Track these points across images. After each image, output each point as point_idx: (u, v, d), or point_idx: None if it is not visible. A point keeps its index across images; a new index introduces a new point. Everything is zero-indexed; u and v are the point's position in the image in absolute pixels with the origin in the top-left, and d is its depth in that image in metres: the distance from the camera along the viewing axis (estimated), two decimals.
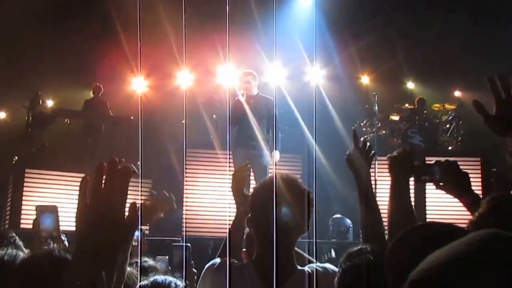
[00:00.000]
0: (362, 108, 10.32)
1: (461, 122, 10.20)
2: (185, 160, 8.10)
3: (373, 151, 2.34)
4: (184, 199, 7.84)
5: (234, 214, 2.68)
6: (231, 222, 2.63)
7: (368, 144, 2.36)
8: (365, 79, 11.48)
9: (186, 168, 8.09)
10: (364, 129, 10.06)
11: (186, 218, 7.74)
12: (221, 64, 9.40)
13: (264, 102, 7.07)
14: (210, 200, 8.06)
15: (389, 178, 2.17)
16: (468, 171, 2.20)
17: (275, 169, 6.72)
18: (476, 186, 7.95)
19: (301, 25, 9.83)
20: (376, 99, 8.98)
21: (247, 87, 6.99)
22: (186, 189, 7.94)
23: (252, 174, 6.52)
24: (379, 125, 9.79)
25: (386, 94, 10.52)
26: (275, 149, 6.97)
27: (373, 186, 2.27)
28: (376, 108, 9.00)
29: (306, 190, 2.15)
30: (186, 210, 7.81)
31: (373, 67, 11.28)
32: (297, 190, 2.14)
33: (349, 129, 9.27)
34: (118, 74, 9.67)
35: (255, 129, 6.92)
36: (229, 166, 7.46)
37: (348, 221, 7.50)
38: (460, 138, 10.11)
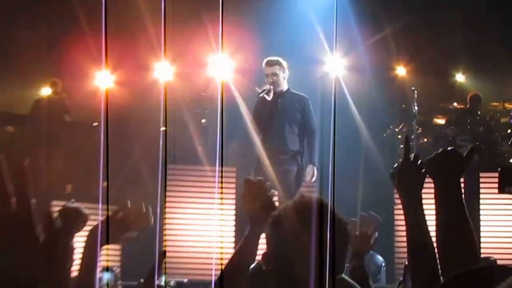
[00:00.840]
0: (397, 109, 10.58)
1: None
2: (165, 181, 7.92)
3: (424, 169, 2.38)
4: (165, 232, 7.80)
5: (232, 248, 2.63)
6: (225, 262, 2.65)
7: (420, 159, 2.42)
8: (400, 71, 11.60)
9: (166, 191, 8.05)
10: (399, 136, 10.32)
11: (167, 256, 7.73)
12: (213, 52, 9.66)
13: (297, 101, 7.26)
14: (198, 233, 8.45)
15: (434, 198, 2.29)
16: None
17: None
18: None
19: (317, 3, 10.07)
20: (415, 96, 9.30)
21: (274, 81, 7.15)
22: (167, 218, 8.23)
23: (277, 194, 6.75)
24: (419, 130, 10.08)
25: (429, 90, 10.76)
26: (311, 162, 7.18)
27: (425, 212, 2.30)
28: (416, 108, 9.30)
29: (345, 222, 2.23)
30: (168, 245, 8.13)
31: (411, 55, 11.45)
32: (333, 220, 2.19)
33: (379, 136, 10.02)
34: (80, 68, 10.02)
35: (286, 138, 7.16)
36: (221, 188, 7.80)
37: (380, 258, 7.65)
38: None
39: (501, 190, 2.28)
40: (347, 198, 8.06)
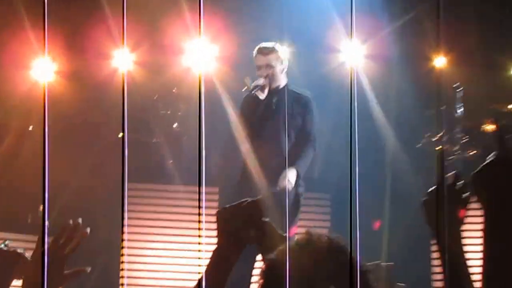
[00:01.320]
0: (435, 111, 10.16)
1: None
2: (123, 205, 8.02)
3: (467, 193, 2.45)
4: (124, 269, 7.69)
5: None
6: None
7: (462, 182, 2.47)
8: (439, 62, 11.08)
9: (123, 219, 8.11)
10: (438, 148, 9.91)
11: None
12: (188, 37, 9.53)
13: (297, 101, 7.33)
14: (168, 274, 8.60)
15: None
16: None
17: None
18: None
19: None
20: (459, 95, 9.36)
21: (268, 75, 7.20)
22: (126, 255, 7.77)
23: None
24: (465, 139, 9.93)
25: (477, 87, 10.44)
26: (293, 165, 7.25)
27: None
28: (460, 110, 9.30)
29: (365, 270, 2.32)
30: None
31: (454, 42, 10.79)
32: (349, 268, 2.23)
33: (410, 147, 9.80)
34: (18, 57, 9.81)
35: (282, 149, 7.17)
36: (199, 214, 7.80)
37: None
38: None
39: None
40: (367, 235, 8.00)
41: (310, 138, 7.40)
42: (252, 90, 7.26)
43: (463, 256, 2.40)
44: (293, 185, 7.19)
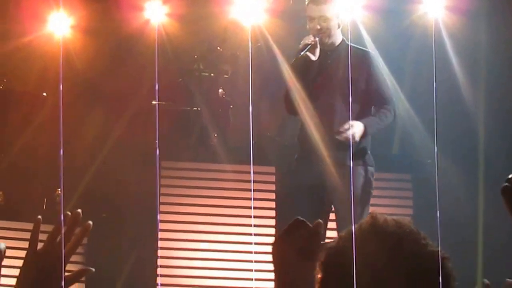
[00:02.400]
0: None
1: None
2: (159, 183, 8.03)
3: None
4: (159, 254, 8.08)
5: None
6: None
7: None
8: None
9: (160, 201, 8.13)
10: None
11: None
12: None
13: (359, 60, 6.75)
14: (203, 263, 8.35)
15: None
16: None
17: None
18: None
19: None
20: None
21: (322, 29, 6.68)
22: (161, 245, 8.13)
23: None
24: None
25: None
26: (365, 122, 6.74)
27: None
28: None
29: (444, 257, 2.13)
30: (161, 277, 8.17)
31: None
32: (422, 256, 2.12)
33: (507, 122, 9.21)
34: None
35: (341, 119, 6.65)
36: (253, 200, 8.01)
37: None
38: None
39: None
40: (454, 223, 7.79)
41: (385, 100, 6.82)
42: (303, 51, 6.69)
43: None
44: (357, 141, 6.60)
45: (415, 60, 9.01)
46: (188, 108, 9.42)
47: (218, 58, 9.52)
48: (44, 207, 8.53)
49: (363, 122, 6.63)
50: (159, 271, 8.21)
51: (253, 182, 7.96)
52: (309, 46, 6.64)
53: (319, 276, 2.30)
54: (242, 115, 9.23)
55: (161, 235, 8.18)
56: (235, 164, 8.42)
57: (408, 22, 9.09)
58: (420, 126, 8.77)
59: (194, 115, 9.39)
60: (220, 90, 9.46)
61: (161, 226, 8.25)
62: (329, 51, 6.73)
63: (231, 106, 9.47)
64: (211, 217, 8.33)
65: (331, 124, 6.64)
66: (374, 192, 7.25)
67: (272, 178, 8.43)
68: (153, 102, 8.74)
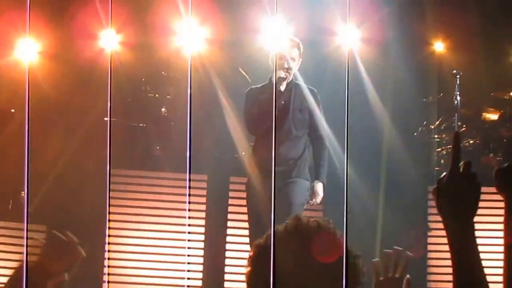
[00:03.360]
0: (433, 99, 10.52)
1: None
2: (109, 191, 8.39)
3: (478, 182, 2.39)
4: (106, 256, 8.55)
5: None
6: None
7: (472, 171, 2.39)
8: (438, 47, 11.32)
9: (109, 205, 8.51)
10: (435, 136, 10.28)
11: None
12: (178, 17, 9.64)
13: (305, 96, 7.51)
14: (154, 257, 8.76)
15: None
16: None
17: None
18: None
19: None
20: (458, 82, 9.36)
21: (289, 68, 7.39)
22: (109, 241, 8.59)
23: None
24: (463, 128, 10.01)
25: (477, 74, 10.56)
26: (318, 179, 7.51)
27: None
28: (458, 98, 9.33)
29: (355, 255, 2.34)
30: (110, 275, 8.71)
31: (454, 26, 11.06)
32: (339, 253, 2.28)
33: (408, 135, 9.88)
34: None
35: (290, 146, 7.42)
36: (189, 203, 8.64)
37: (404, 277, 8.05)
38: None
39: None
40: (362, 223, 8.60)
41: (321, 136, 7.54)
42: (280, 83, 7.39)
43: (475, 247, 2.30)
44: (321, 197, 7.49)
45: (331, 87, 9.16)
46: (135, 124, 9.81)
47: (162, 81, 10.01)
48: (10, 207, 8.74)
49: (321, 181, 7.39)
50: (107, 263, 8.61)
51: (189, 188, 8.52)
52: (282, 79, 7.31)
53: (249, 268, 2.49)
54: (181, 130, 9.55)
55: (110, 232, 8.51)
56: (174, 172, 8.91)
57: (325, 52, 9.73)
58: (334, 141, 8.94)
59: (140, 130, 9.79)
60: (163, 109, 9.95)
61: (111, 224, 8.61)
62: (289, 88, 7.40)
63: (172, 123, 9.87)
64: (153, 217, 8.76)
65: (282, 143, 7.30)
66: None
67: (204, 185, 8.92)
68: (105, 119, 9.02)
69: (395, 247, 3.04)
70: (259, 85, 7.59)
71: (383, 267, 2.90)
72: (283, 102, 7.35)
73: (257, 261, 2.39)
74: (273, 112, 7.08)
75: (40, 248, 2.61)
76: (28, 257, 2.49)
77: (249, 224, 7.42)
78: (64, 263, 2.59)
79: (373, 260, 2.99)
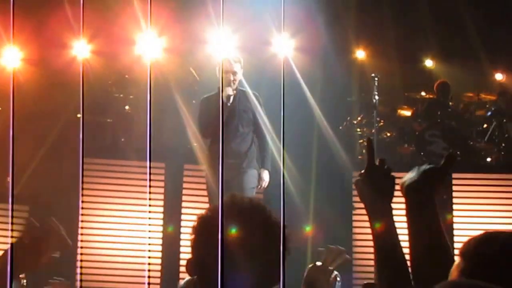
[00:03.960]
0: (355, 98, 11.17)
1: (505, 120, 11.09)
2: (82, 176, 8.60)
3: (392, 174, 2.56)
4: (80, 239, 8.77)
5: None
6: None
7: (386, 165, 2.58)
8: (360, 54, 12.29)
9: (82, 189, 8.91)
10: (358, 129, 10.90)
11: (82, 273, 8.96)
12: (139, 29, 10.29)
13: (248, 100, 8.11)
14: (118, 238, 9.30)
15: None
16: None
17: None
18: None
19: None
20: (376, 84, 9.72)
21: (233, 80, 7.96)
22: (82, 223, 9.11)
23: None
24: (381, 123, 10.58)
25: (393, 77, 11.32)
26: (264, 167, 8.11)
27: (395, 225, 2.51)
28: (377, 98, 9.70)
29: (280, 224, 2.35)
30: (82, 258, 9.01)
31: (373, 37, 12.07)
32: (267, 223, 2.40)
33: (335, 129, 10.34)
34: None
35: (239, 142, 8.05)
36: (149, 187, 8.78)
37: (334, 272, 8.09)
38: (504, 145, 10.98)
39: None
40: (297, 202, 9.16)
41: (264, 135, 8.16)
42: (227, 99, 7.90)
43: (393, 229, 2.46)
44: (267, 182, 8.08)
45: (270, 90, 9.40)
46: (103, 120, 10.37)
47: (126, 84, 10.57)
48: None
49: (266, 168, 8.02)
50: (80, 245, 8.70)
51: (149, 174, 8.45)
52: (230, 96, 7.86)
53: (192, 236, 2.52)
54: (142, 124, 10.07)
55: (83, 212, 8.96)
56: (136, 160, 9.25)
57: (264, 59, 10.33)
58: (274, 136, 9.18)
59: (107, 125, 10.38)
60: (127, 107, 10.47)
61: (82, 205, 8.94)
62: (235, 94, 7.96)
63: (135, 118, 10.42)
64: (119, 198, 9.28)
65: (232, 141, 7.88)
66: None
67: (162, 171, 9.37)
68: (78, 115, 9.48)
69: (339, 247, 3.10)
70: (209, 94, 8.10)
71: (324, 256, 2.95)
72: (229, 106, 7.86)
73: (199, 230, 2.46)
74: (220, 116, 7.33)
75: (34, 230, 2.64)
76: (23, 236, 2.59)
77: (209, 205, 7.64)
78: (53, 249, 2.63)
79: (318, 248, 3.10)
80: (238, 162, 7.99)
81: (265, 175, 8.10)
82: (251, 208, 2.46)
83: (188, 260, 2.54)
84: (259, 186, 8.12)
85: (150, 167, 8.09)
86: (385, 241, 2.45)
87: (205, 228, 2.44)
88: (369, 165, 2.53)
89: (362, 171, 2.55)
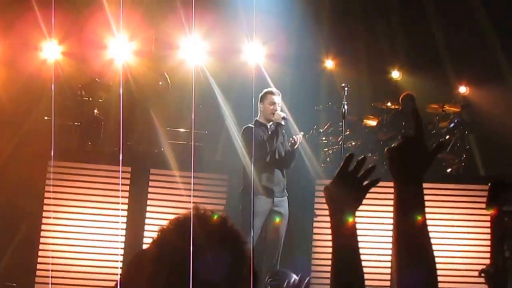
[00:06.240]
0: (323, 107, 11.15)
1: (467, 132, 11.29)
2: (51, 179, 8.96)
3: (367, 182, 2.50)
4: (41, 241, 9.12)
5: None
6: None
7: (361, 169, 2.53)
8: (329, 64, 12.42)
9: (48, 191, 8.91)
10: (323, 138, 10.95)
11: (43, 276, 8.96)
12: (112, 35, 10.41)
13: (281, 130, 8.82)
14: (85, 242, 9.30)
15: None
16: (476, 205, 2.39)
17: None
18: (485, 225, 9.18)
19: None
20: (345, 93, 9.65)
21: (275, 110, 8.76)
22: (45, 225, 9.22)
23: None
24: (347, 132, 10.55)
25: (360, 87, 11.40)
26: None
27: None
28: (345, 107, 9.66)
29: (242, 242, 2.32)
30: (43, 261, 9.09)
31: (341, 48, 12.15)
32: (227, 234, 2.33)
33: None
34: None
35: (278, 170, 8.79)
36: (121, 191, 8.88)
37: (294, 276, 7.97)
38: (464, 156, 11.14)
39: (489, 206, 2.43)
40: None
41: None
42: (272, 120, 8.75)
43: (355, 240, 2.44)
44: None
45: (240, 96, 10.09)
46: (71, 123, 10.20)
47: (96, 87, 10.37)
48: None
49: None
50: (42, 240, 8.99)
51: (120, 178, 9.03)
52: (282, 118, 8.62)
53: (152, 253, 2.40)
54: (110, 129, 9.99)
55: (49, 214, 8.90)
56: (104, 164, 9.25)
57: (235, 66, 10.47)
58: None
59: (75, 128, 10.18)
60: (96, 110, 10.28)
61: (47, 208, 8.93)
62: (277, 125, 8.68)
63: (103, 123, 10.24)
64: (85, 202, 9.19)
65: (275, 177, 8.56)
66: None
67: (128, 175, 9.23)
68: (45, 118, 9.68)
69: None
70: (250, 125, 8.68)
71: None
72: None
73: (163, 243, 2.37)
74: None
75: None
76: None
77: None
78: None
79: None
80: (279, 190, 8.78)
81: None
82: (214, 220, 2.37)
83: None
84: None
85: (121, 171, 8.66)
86: (344, 247, 2.45)
87: (170, 241, 2.34)
88: (341, 170, 2.50)
89: (332, 181, 2.51)
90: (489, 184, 2.58)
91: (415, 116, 2.38)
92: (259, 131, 8.68)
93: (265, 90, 8.76)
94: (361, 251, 2.45)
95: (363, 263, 2.44)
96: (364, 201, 2.47)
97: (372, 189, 2.48)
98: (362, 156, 2.58)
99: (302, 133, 8.89)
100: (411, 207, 2.27)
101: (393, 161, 2.32)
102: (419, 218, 2.25)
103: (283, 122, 8.67)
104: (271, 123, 8.75)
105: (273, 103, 8.70)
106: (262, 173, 8.68)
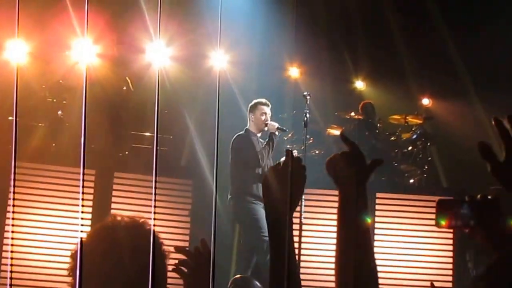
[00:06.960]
0: (287, 115, 11.25)
1: (429, 144, 11.44)
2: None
3: (303, 173, 2.51)
4: (8, 242, 8.96)
5: None
6: None
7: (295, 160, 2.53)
8: (293, 72, 12.49)
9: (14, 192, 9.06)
10: (288, 146, 11.03)
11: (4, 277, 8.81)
12: (75, 35, 10.29)
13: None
14: (48, 244, 9.27)
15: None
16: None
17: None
18: (447, 236, 9.33)
19: None
20: (307, 102, 9.73)
21: (266, 120, 8.98)
22: (13, 226, 8.59)
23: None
24: (310, 140, 10.64)
25: (324, 96, 11.51)
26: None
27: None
28: (308, 116, 9.68)
29: (163, 252, 2.38)
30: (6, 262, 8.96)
31: (306, 56, 12.20)
32: (140, 235, 2.40)
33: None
34: None
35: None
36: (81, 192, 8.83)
37: (257, 284, 8.04)
38: (427, 168, 11.31)
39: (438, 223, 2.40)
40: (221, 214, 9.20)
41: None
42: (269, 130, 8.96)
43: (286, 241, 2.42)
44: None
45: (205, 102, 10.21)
46: (35, 124, 10.19)
47: (60, 89, 10.39)
48: None
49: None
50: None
51: (83, 180, 8.91)
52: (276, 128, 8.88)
53: (71, 264, 2.54)
54: (74, 130, 9.90)
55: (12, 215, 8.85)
56: (68, 166, 9.24)
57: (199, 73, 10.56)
58: (207, 146, 9.84)
59: (39, 129, 10.15)
60: (59, 112, 10.27)
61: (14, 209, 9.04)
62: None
63: (67, 124, 10.23)
64: (46, 203, 9.18)
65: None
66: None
67: (92, 178, 9.27)
68: (10, 118, 9.47)
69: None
70: (241, 133, 8.90)
71: None
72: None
73: (75, 255, 2.39)
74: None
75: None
76: None
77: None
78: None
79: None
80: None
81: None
82: (129, 227, 2.45)
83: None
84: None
85: (83, 174, 7.85)
86: (278, 254, 2.45)
87: (85, 252, 2.29)
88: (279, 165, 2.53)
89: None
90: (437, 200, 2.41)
91: (343, 139, 2.53)
92: (255, 140, 8.87)
93: (255, 101, 8.97)
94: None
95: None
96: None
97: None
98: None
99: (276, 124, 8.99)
100: (350, 213, 2.37)
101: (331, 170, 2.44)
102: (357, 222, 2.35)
103: (277, 133, 8.92)
104: (260, 133, 8.95)
105: (264, 113, 8.93)
106: (254, 183, 8.72)
